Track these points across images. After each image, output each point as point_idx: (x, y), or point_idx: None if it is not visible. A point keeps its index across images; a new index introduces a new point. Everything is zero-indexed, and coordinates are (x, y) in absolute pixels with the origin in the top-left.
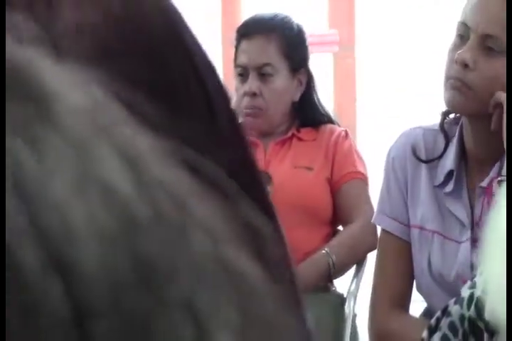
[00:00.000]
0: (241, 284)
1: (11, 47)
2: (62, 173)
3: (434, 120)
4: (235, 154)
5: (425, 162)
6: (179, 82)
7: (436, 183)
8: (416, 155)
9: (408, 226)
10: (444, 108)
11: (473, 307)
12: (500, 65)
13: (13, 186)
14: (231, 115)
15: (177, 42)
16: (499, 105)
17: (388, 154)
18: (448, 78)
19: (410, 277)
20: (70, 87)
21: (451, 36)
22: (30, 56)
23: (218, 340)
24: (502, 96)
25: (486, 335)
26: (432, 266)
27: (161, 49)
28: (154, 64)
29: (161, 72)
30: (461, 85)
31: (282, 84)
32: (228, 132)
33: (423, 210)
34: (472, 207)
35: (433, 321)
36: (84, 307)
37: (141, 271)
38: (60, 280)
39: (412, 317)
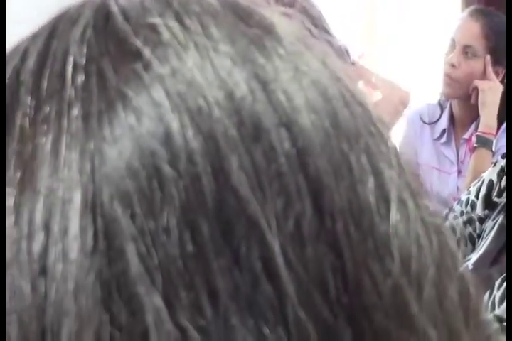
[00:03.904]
0: (395, 158)
1: None
2: (285, 71)
3: (435, 99)
4: None
5: (428, 124)
6: None
7: (435, 137)
8: (422, 119)
9: (418, 164)
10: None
11: (468, 205)
12: (475, 64)
13: (256, 77)
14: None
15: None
16: (475, 88)
17: (406, 120)
18: (443, 75)
19: None
20: (283, 20)
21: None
22: (258, 2)
23: (390, 189)
24: (477, 82)
25: (477, 223)
26: (432, 188)
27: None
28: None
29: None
30: (449, 79)
31: None
32: None
33: (426, 154)
34: (458, 151)
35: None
36: (304, 148)
37: (336, 129)
38: (288, 132)
39: None
